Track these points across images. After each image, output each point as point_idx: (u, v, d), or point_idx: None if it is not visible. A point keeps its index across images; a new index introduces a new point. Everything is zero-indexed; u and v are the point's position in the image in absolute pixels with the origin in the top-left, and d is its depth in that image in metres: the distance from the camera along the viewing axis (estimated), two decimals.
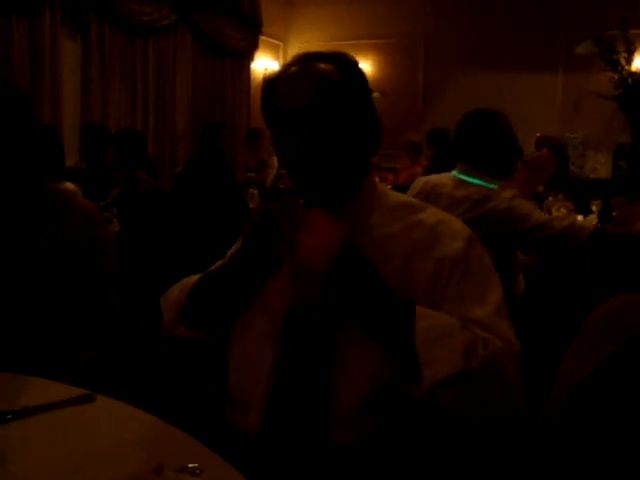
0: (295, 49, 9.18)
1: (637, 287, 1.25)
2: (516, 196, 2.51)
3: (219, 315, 1.35)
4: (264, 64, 8.92)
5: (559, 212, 4.07)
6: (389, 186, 6.09)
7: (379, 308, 1.12)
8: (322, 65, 1.24)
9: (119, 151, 4.29)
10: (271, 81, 1.29)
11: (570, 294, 2.62)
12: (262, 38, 8.56)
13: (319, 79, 1.22)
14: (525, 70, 7.51)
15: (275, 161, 6.53)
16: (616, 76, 5.33)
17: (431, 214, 1.29)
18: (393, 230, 1.26)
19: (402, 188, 5.22)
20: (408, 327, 1.09)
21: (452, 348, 1.07)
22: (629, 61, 5.32)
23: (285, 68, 1.28)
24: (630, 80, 5.30)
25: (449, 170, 2.69)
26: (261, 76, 8.90)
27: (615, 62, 5.30)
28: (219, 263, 1.44)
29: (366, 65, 8.36)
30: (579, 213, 4.16)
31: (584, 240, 2.46)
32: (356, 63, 1.29)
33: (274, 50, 9.13)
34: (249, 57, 8.45)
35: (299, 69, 1.26)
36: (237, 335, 1.35)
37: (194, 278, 1.39)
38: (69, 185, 3.40)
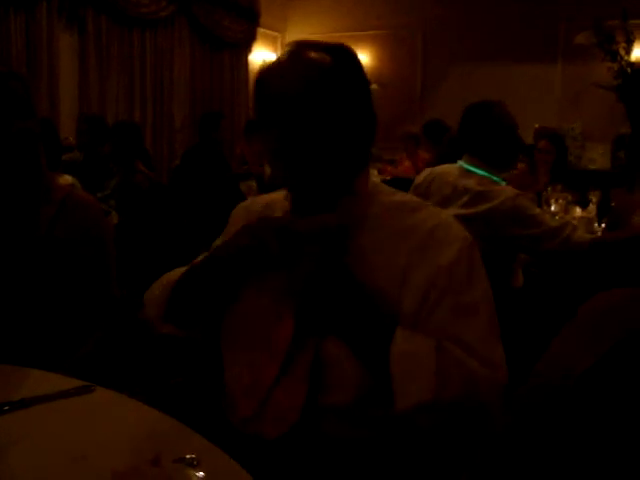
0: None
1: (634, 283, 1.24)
2: (519, 195, 2.50)
3: (203, 314, 1.32)
4: (262, 56, 8.89)
5: (557, 204, 4.06)
6: (388, 177, 6.10)
7: (359, 325, 1.12)
8: (313, 53, 1.18)
9: (116, 143, 4.28)
10: (262, 71, 1.23)
11: (567, 284, 2.63)
12: (260, 30, 8.54)
13: (309, 66, 1.16)
14: (524, 61, 7.49)
15: None
16: (615, 66, 5.31)
17: (428, 216, 1.23)
18: (388, 232, 1.21)
19: (401, 180, 5.22)
20: (385, 349, 1.08)
21: (426, 376, 1.06)
22: (628, 51, 5.30)
23: (277, 58, 1.23)
24: (629, 70, 5.28)
25: (452, 162, 2.70)
26: (259, 68, 8.86)
27: (614, 52, 5.29)
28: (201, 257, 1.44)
29: (364, 57, 8.33)
30: (578, 204, 4.15)
31: (581, 253, 2.46)
32: (352, 53, 1.23)
33: (272, 42, 9.11)
34: (247, 49, 8.43)
35: (289, 57, 1.20)
36: (230, 330, 1.33)
37: (175, 274, 1.36)
38: (67, 177, 3.40)
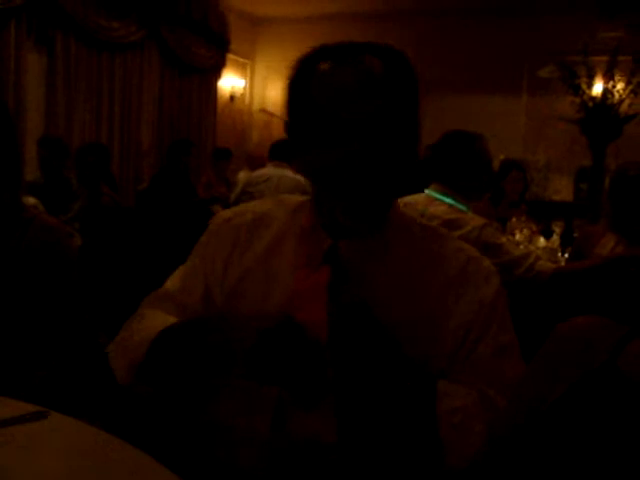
0: (263, 67, 9.21)
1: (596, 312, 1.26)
2: (486, 224, 2.53)
3: (184, 379, 1.14)
4: (231, 82, 8.92)
5: (522, 234, 4.12)
6: None
7: (395, 387, 1.02)
8: (373, 63, 1.13)
9: (82, 165, 4.24)
10: (309, 72, 1.14)
11: (532, 314, 2.65)
12: (230, 56, 8.56)
13: (375, 81, 1.10)
14: (490, 93, 7.63)
15: (239, 179, 6.51)
16: (577, 100, 5.45)
17: (457, 248, 1.19)
18: (421, 262, 1.17)
19: None
20: (430, 409, 1.02)
21: (477, 433, 1.03)
22: (590, 86, 5.45)
23: (325, 59, 1.15)
24: (591, 104, 5.42)
25: (414, 188, 2.73)
26: (228, 94, 8.89)
27: (576, 86, 5.43)
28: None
29: None
30: (541, 234, 4.22)
31: (544, 281, 2.50)
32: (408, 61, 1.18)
33: (241, 68, 9.14)
34: (216, 75, 8.44)
35: (346, 69, 1.11)
36: None
37: (151, 326, 1.17)
38: (29, 199, 3.35)
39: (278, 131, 7.81)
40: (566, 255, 3.64)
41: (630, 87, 5.42)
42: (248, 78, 9.27)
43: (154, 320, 1.20)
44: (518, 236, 4.09)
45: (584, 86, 5.46)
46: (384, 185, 1.13)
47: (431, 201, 2.60)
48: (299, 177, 5.45)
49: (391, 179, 1.13)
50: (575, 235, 3.78)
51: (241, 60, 9.06)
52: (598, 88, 5.54)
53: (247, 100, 9.34)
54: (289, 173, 5.32)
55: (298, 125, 1.15)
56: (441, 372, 1.10)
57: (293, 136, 1.17)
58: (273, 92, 9.01)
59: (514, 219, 4.32)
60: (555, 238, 4.14)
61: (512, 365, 1.12)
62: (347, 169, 1.07)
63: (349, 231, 1.14)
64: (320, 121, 1.09)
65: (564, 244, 3.92)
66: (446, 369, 1.11)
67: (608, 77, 5.43)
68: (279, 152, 5.38)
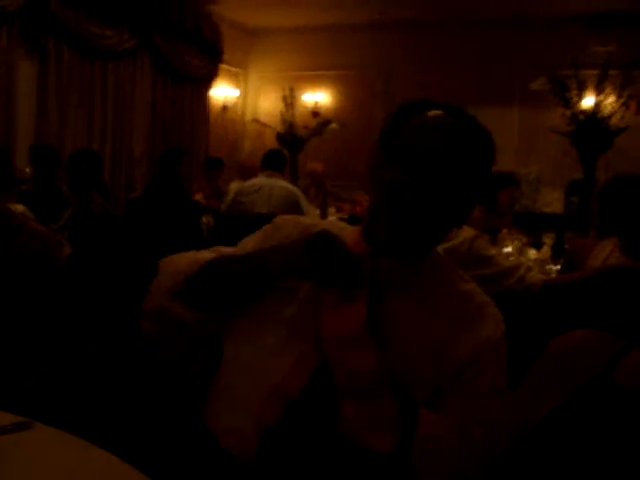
0: (256, 78, 9.23)
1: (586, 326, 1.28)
2: (477, 236, 2.53)
3: (228, 301, 1.29)
4: (224, 92, 8.93)
5: (512, 245, 4.13)
6: (345, 216, 6.11)
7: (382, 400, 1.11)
8: (466, 124, 1.30)
9: (74, 172, 4.22)
10: (408, 113, 1.31)
11: (523, 326, 2.65)
12: (223, 66, 8.57)
13: (460, 135, 1.26)
14: (482, 106, 7.66)
15: (231, 189, 6.51)
16: (568, 113, 5.48)
17: (477, 290, 1.32)
18: (445, 293, 1.29)
19: (358, 218, 5.25)
20: (409, 430, 1.09)
21: (446, 465, 1.10)
22: (581, 99, 5.49)
23: (427, 107, 1.31)
24: (582, 117, 5.45)
25: None
26: (221, 103, 8.90)
27: (567, 99, 5.46)
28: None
29: (326, 96, 8.46)
30: (532, 246, 4.22)
31: (535, 293, 2.50)
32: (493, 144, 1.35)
33: (234, 78, 9.16)
34: (208, 84, 8.45)
35: (446, 115, 1.30)
36: (241, 339, 1.28)
37: (203, 255, 1.34)
38: (18, 207, 3.33)
39: (270, 141, 7.81)
40: (557, 267, 3.64)
41: (620, 100, 5.45)
42: (241, 88, 9.28)
43: (205, 254, 1.36)
44: (509, 248, 4.09)
45: (575, 99, 5.50)
46: (438, 218, 1.24)
47: None
48: (291, 187, 5.46)
49: (447, 216, 1.26)
50: (566, 247, 3.78)
51: (234, 70, 9.07)
52: (589, 101, 5.57)
53: (240, 110, 9.35)
54: (281, 183, 5.31)
55: (383, 151, 1.28)
56: (437, 392, 1.19)
57: (375, 159, 1.30)
58: (266, 102, 9.03)
59: (505, 230, 4.32)
60: (546, 250, 4.14)
61: (499, 408, 1.20)
62: (412, 188, 1.19)
63: (392, 251, 1.24)
64: (403, 147, 1.24)
65: (555, 256, 3.92)
66: (442, 391, 1.19)
67: (599, 90, 5.47)
68: (271, 162, 5.38)
